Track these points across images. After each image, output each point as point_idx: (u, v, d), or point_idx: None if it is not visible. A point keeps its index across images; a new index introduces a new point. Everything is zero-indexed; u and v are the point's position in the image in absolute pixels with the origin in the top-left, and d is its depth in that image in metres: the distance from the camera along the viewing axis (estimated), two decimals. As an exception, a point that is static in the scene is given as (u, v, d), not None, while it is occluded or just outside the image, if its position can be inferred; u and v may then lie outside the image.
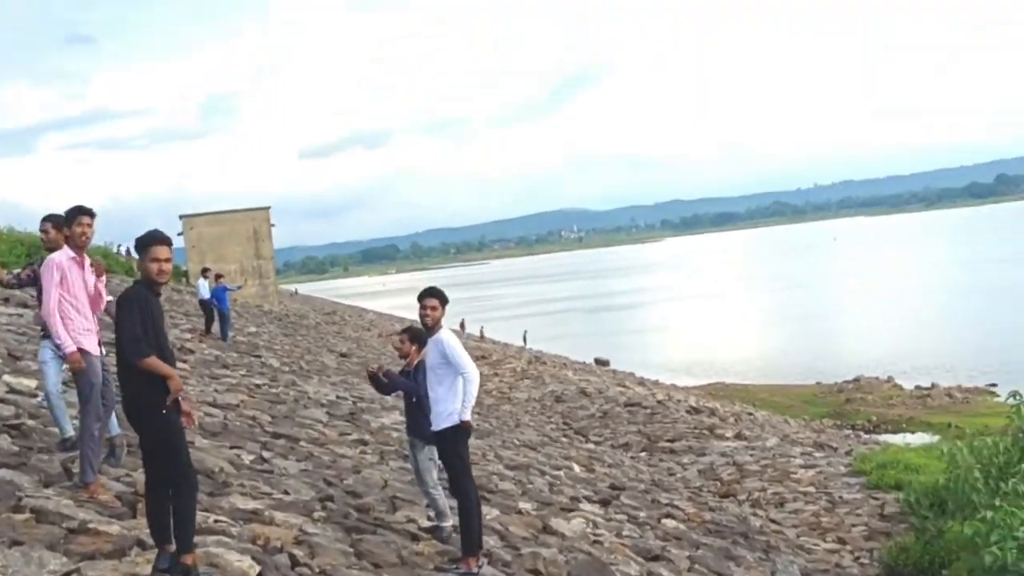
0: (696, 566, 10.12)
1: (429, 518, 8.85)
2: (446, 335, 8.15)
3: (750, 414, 35.87)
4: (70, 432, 8.15)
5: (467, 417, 7.94)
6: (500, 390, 34.78)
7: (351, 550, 7.16)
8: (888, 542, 13.26)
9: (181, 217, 57.98)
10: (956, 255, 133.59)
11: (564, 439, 22.35)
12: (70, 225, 7.76)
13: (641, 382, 43.45)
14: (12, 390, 9.90)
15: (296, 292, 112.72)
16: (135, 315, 5.71)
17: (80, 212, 7.78)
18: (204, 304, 25.59)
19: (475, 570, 7.55)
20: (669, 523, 12.80)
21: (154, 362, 5.69)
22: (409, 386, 8.77)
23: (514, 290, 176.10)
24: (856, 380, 51.07)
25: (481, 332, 70.29)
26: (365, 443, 12.61)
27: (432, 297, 8.15)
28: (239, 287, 31.67)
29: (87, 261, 7.92)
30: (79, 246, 7.77)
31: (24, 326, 14.99)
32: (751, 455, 21.54)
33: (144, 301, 5.79)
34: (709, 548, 11.55)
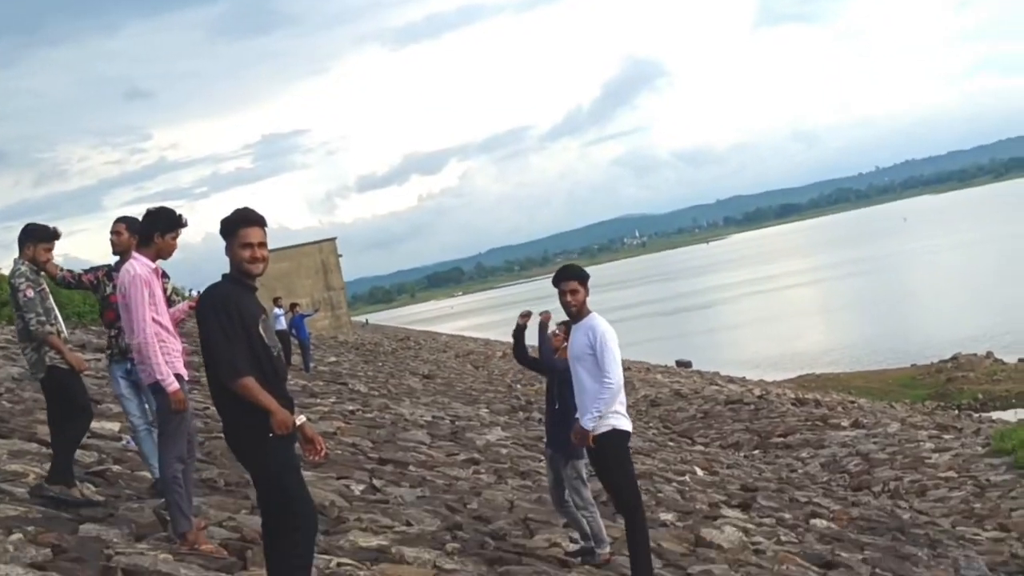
0: (877, 570, 8.84)
1: (572, 540, 7.70)
2: (599, 321, 6.85)
3: (852, 402, 34.25)
4: None
5: (587, 425, 6.68)
6: (590, 399, 33.56)
7: (500, 586, 6.04)
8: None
9: (249, 255, 57.73)
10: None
11: (671, 443, 21.08)
12: (164, 234, 6.44)
13: (731, 380, 41.93)
14: (93, 434, 8.94)
15: (367, 322, 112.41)
16: (222, 320, 4.53)
17: (180, 223, 6.51)
18: (281, 335, 24.79)
19: None
20: (819, 523, 11.51)
21: (251, 387, 4.48)
22: (551, 361, 7.56)
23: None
24: (954, 358, 48.87)
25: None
26: (476, 462, 11.53)
27: (570, 279, 6.86)
28: (316, 311, 30.55)
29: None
30: (163, 259, 6.58)
31: (103, 370, 14.15)
32: (875, 443, 20.07)
33: (233, 300, 4.59)
34: (874, 548, 10.25)
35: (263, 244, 4.79)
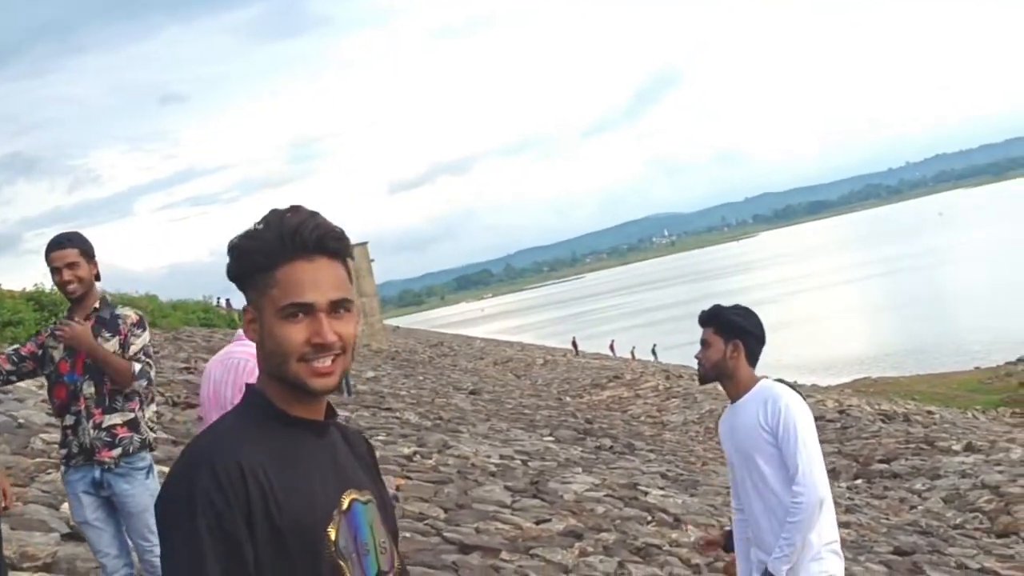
0: None
1: None
2: (778, 390, 4.14)
3: (930, 412, 31.53)
4: None
5: (778, 571, 3.99)
6: (649, 414, 31.05)
7: None
8: None
9: (279, 262, 55.85)
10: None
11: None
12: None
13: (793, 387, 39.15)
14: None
15: (397, 328, 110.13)
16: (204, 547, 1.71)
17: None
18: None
19: None
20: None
21: None
22: None
23: (613, 301, 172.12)
24: (1022, 360, 46.22)
25: (632, 353, 64.03)
26: (578, 535, 8.98)
27: (705, 324, 4.26)
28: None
29: None
30: None
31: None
32: (1000, 472, 17.35)
33: (249, 483, 1.75)
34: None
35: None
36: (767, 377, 4.29)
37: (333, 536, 1.78)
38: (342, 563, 1.78)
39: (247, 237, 1.83)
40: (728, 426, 4.26)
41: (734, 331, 4.15)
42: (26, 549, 6.07)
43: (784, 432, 3.98)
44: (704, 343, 4.24)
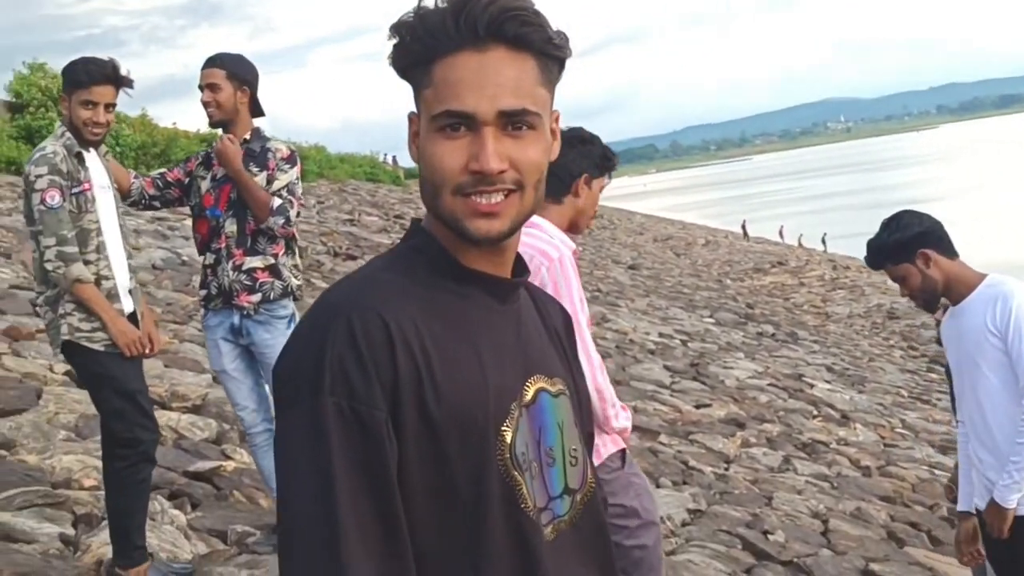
0: None
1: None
2: (1009, 286, 3.49)
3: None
4: None
5: (1006, 500, 3.44)
6: (812, 304, 30.07)
7: None
8: None
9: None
10: None
11: (935, 375, 17.57)
12: (594, 178, 3.33)
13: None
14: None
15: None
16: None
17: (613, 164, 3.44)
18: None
19: None
20: None
21: None
22: None
23: (781, 186, 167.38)
24: None
25: (800, 241, 59.75)
26: (740, 424, 8.55)
27: (875, 262, 3.75)
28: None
29: None
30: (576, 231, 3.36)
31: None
32: None
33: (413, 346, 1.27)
34: None
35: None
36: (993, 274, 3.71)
37: (509, 438, 1.30)
38: (517, 475, 1.30)
39: (411, 14, 1.29)
40: (952, 330, 3.69)
41: (908, 248, 3.59)
42: (177, 388, 5.99)
43: (1016, 335, 3.40)
44: (898, 280, 3.69)
